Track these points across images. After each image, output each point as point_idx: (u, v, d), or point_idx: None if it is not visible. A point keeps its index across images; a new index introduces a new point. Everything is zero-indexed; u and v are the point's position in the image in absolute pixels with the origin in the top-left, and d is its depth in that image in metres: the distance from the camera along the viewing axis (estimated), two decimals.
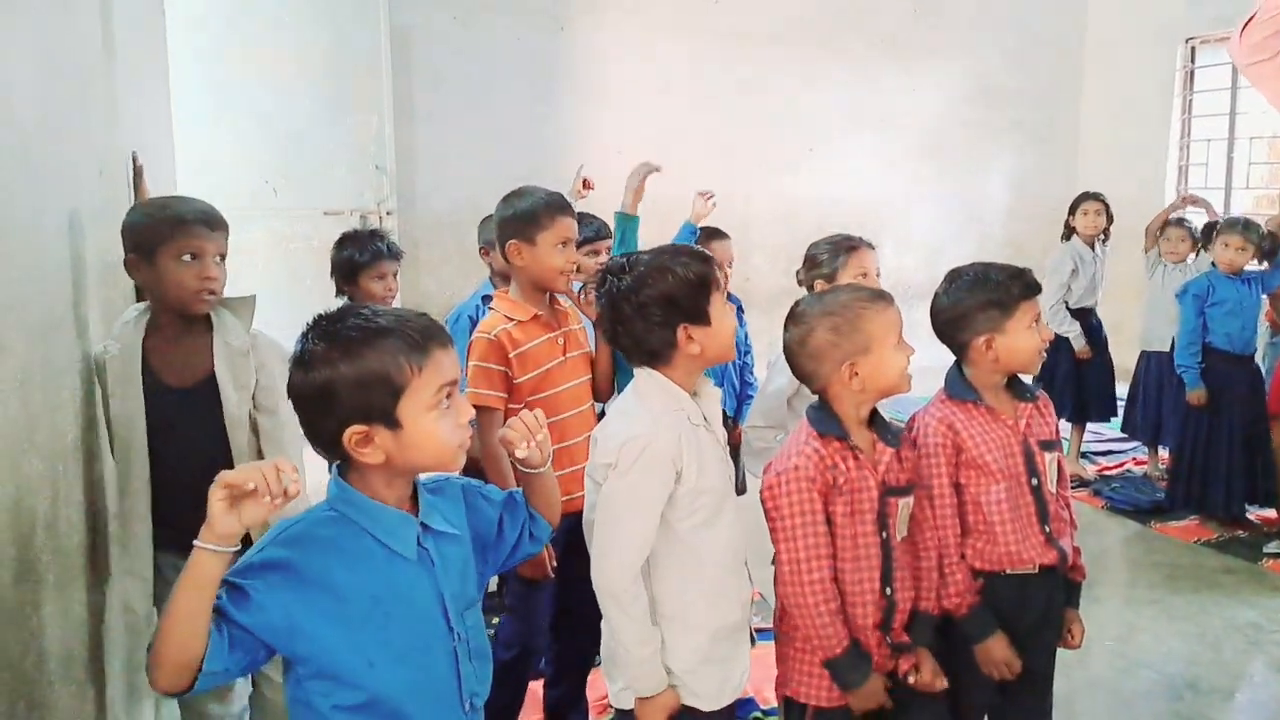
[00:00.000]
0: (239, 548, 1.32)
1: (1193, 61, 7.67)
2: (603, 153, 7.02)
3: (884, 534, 1.96)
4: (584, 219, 3.82)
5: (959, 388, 2.22)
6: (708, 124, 7.27)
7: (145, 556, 2.17)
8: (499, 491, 1.71)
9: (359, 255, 3.35)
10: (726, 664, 1.95)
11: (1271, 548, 4.33)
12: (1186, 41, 7.63)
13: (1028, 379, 2.29)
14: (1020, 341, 2.16)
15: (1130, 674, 3.36)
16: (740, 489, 3.63)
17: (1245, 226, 4.55)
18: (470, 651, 1.55)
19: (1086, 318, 5.30)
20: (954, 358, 2.26)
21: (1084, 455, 5.64)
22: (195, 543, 1.29)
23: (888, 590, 1.98)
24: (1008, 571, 2.19)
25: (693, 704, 1.91)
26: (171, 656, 1.31)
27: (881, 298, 1.99)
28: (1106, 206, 5.29)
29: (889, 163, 7.92)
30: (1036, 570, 2.21)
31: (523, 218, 2.48)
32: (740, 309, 4.00)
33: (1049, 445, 2.26)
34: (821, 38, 7.53)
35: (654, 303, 1.85)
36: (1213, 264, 4.63)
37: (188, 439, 2.15)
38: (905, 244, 7.75)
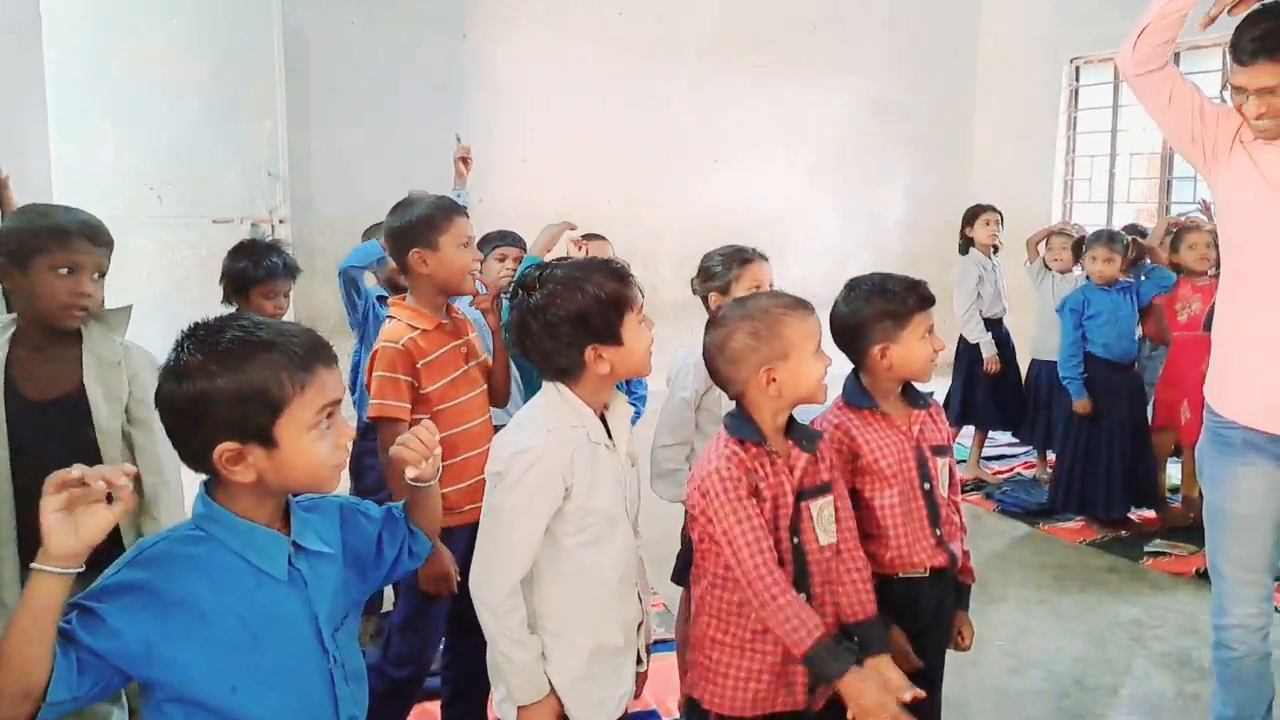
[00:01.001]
0: (83, 568, 1.24)
1: (1077, 80, 7.98)
2: (506, 161, 7.00)
3: (796, 539, 1.96)
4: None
5: (856, 395, 2.25)
6: (613, 134, 7.30)
7: (10, 583, 2.06)
8: (377, 508, 1.67)
9: (253, 269, 3.24)
10: (604, 685, 1.92)
11: (1152, 547, 4.49)
12: (1071, 61, 7.93)
13: (923, 386, 2.34)
14: (914, 351, 2.20)
15: (1020, 674, 3.44)
16: None
17: (1110, 239, 4.72)
18: (346, 673, 1.50)
19: (996, 328, 5.48)
20: (851, 366, 2.30)
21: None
22: (32, 565, 1.22)
23: (803, 597, 1.95)
24: (900, 575, 2.23)
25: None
26: (10, 685, 1.22)
27: (802, 306, 2.00)
28: (1001, 217, 5.47)
29: (792, 175, 8.05)
30: (928, 573, 2.25)
31: (420, 224, 2.44)
32: None
33: (941, 451, 2.31)
34: (725, 51, 7.63)
35: (563, 322, 1.82)
36: (1087, 277, 4.80)
37: (53, 456, 2.04)
38: (808, 255, 7.87)
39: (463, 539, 2.27)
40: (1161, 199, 7.39)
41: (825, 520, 2.01)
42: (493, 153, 6.95)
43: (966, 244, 5.53)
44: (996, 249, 5.50)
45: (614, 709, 1.94)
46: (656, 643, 3.43)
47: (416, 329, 2.44)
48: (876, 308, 2.20)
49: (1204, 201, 5.13)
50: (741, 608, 1.94)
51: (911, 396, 2.29)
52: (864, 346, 2.22)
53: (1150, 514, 4.84)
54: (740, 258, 2.90)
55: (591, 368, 1.84)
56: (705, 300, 2.93)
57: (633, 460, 1.98)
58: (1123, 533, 4.74)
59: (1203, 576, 4.18)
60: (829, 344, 2.21)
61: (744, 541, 1.86)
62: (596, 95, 7.25)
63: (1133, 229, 5.51)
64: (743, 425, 1.95)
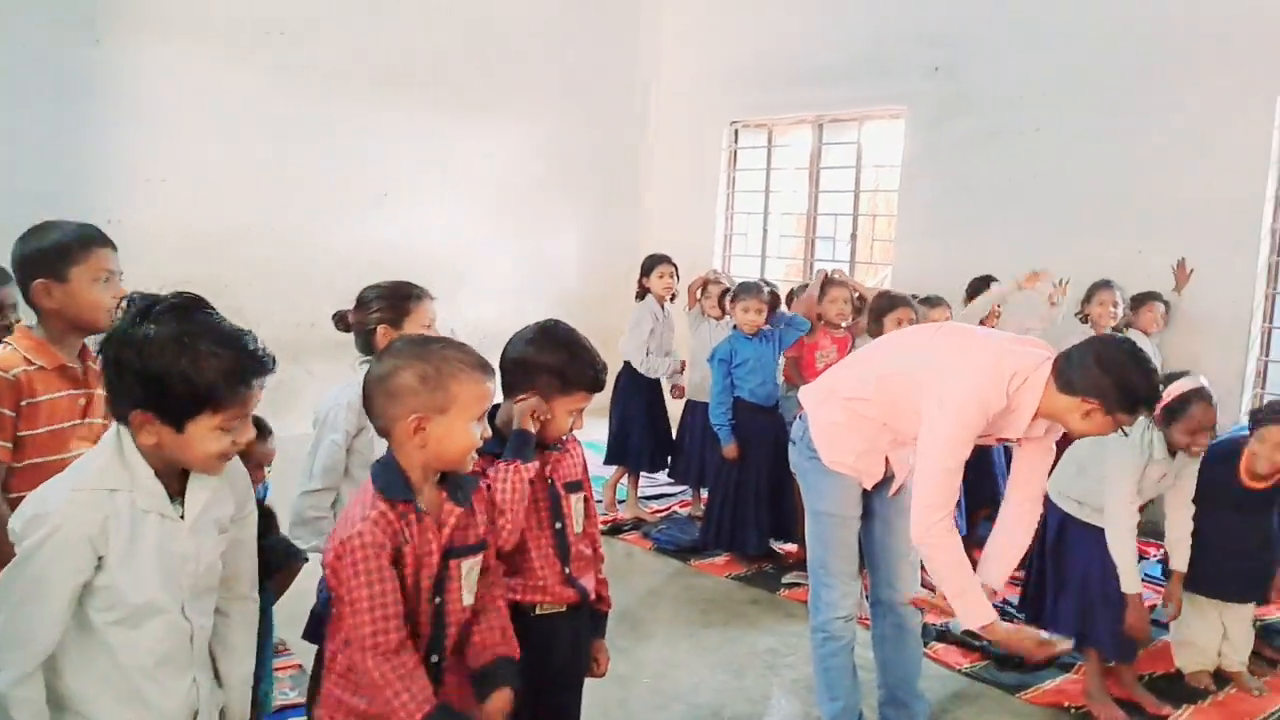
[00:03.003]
0: None
1: (736, 142, 8.58)
2: (144, 181, 6.46)
3: (439, 599, 1.90)
4: None
5: (490, 441, 2.25)
6: (269, 159, 6.90)
7: None
8: None
9: None
10: None
11: (789, 578, 4.83)
12: (731, 124, 8.52)
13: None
14: (559, 421, 2.25)
15: (664, 708, 3.58)
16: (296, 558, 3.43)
17: (756, 290, 5.11)
18: None
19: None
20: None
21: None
22: None
23: (434, 658, 1.92)
24: (536, 611, 2.27)
25: None
26: None
27: (482, 369, 1.92)
28: (676, 269, 5.76)
29: (466, 215, 8.00)
30: (564, 609, 2.30)
31: (49, 253, 2.23)
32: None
33: (574, 487, 2.36)
34: (394, 83, 7.44)
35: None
36: (734, 327, 5.15)
37: None
38: (485, 294, 7.85)
39: None
40: (807, 255, 8.08)
41: (471, 581, 1.98)
42: (129, 171, 6.40)
43: (643, 292, 5.77)
44: (673, 298, 5.78)
45: None
46: (288, 708, 3.27)
47: (33, 364, 2.22)
48: (555, 361, 2.22)
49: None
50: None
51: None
52: (522, 387, 2.23)
53: (791, 547, 5.21)
54: (413, 293, 2.85)
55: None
56: (366, 335, 2.83)
57: (221, 528, 1.82)
58: (767, 566, 5.07)
59: None
60: None
61: (369, 618, 1.78)
62: (253, 117, 6.82)
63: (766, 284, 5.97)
64: (391, 479, 1.87)
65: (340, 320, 2.94)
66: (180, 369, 1.61)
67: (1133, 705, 3.61)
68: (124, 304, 1.68)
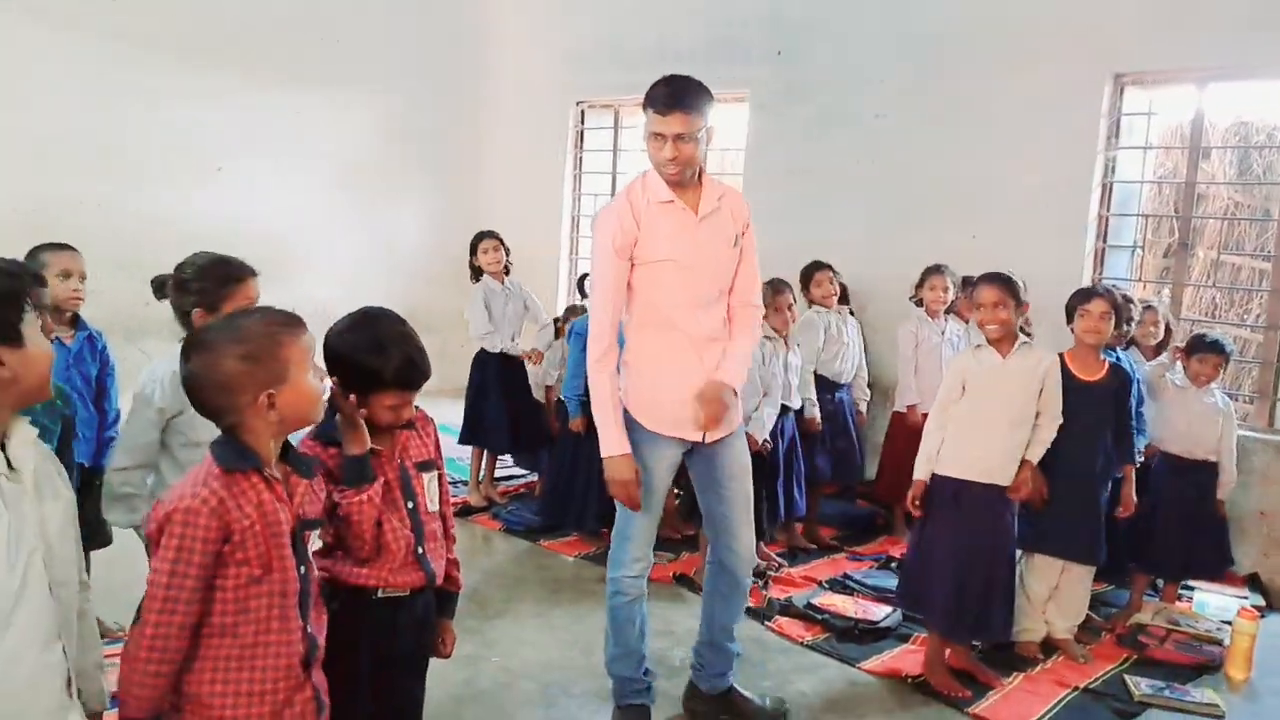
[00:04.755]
0: None
1: (583, 123, 8.53)
2: None
3: (302, 568, 1.86)
4: None
5: (329, 426, 2.15)
6: (97, 130, 6.50)
7: None
8: None
9: None
10: None
11: None
12: (578, 104, 8.47)
13: (431, 404, 2.33)
14: (375, 414, 2.16)
15: (512, 686, 3.54)
16: (106, 539, 3.25)
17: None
18: None
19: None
20: None
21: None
22: None
23: (307, 626, 1.88)
24: (379, 594, 2.20)
25: None
26: None
27: (296, 323, 1.88)
28: (502, 242, 5.67)
29: (308, 190, 7.72)
30: (407, 592, 2.24)
31: None
32: (94, 337, 3.59)
33: (426, 466, 2.30)
34: (229, 54, 7.10)
35: None
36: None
37: None
38: (325, 275, 7.58)
39: None
40: None
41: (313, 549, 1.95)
42: None
43: (476, 271, 5.67)
44: (507, 270, 5.69)
45: None
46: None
47: None
48: (358, 361, 2.14)
49: None
50: (233, 661, 1.79)
51: None
52: (337, 383, 2.14)
53: None
54: (232, 274, 2.69)
55: None
56: (183, 316, 2.69)
57: (55, 494, 1.72)
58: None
59: (679, 581, 4.61)
60: None
61: (162, 594, 1.71)
62: (81, 86, 6.40)
63: None
64: (234, 454, 1.80)
65: (159, 287, 2.76)
66: None
67: (967, 675, 3.76)
68: None
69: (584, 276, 5.72)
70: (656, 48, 7.62)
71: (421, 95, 8.38)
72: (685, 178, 3.00)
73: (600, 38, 8.06)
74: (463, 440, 5.71)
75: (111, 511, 2.58)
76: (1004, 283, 3.67)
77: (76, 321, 3.51)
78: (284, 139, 7.52)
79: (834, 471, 5.29)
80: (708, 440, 3.12)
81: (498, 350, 5.59)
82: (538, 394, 5.86)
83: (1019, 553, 3.98)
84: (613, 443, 3.03)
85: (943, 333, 5.33)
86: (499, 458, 6.02)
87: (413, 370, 2.17)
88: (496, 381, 5.63)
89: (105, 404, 3.55)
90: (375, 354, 2.13)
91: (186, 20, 6.91)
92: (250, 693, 1.81)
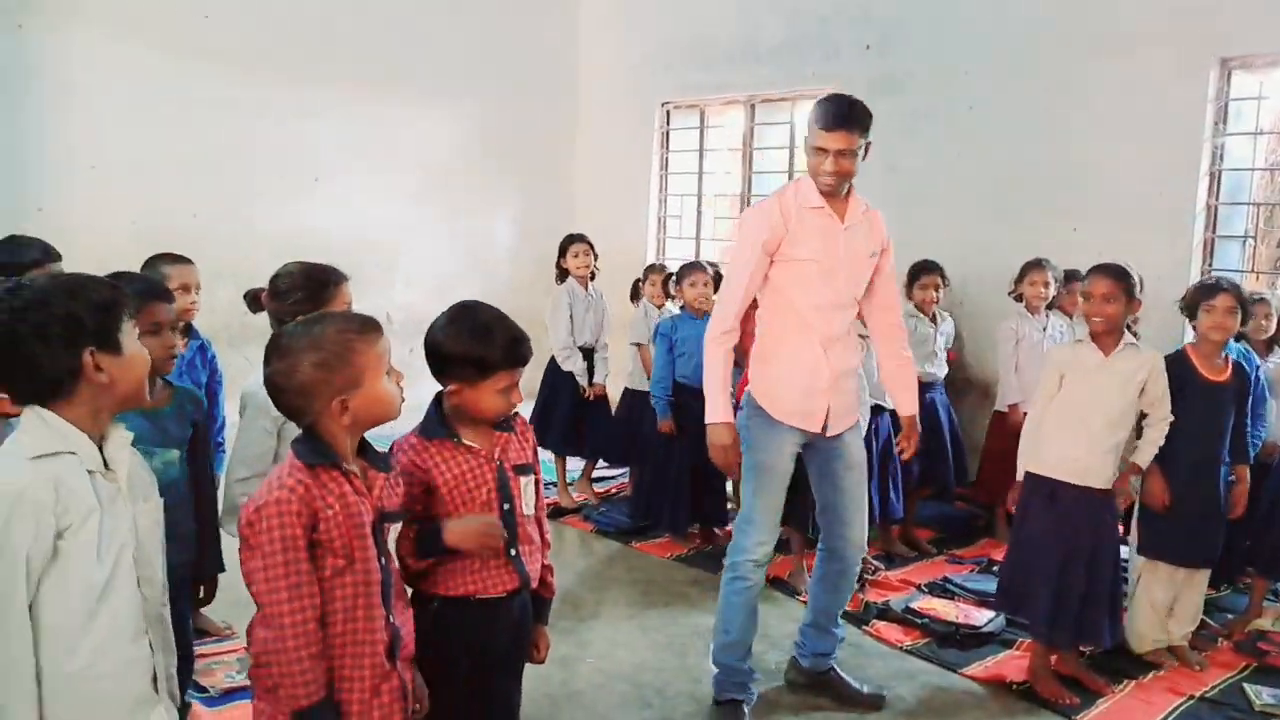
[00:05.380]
0: None
1: (668, 124, 8.52)
2: (70, 167, 6.26)
3: (382, 560, 1.90)
4: (22, 242, 3.36)
5: (434, 426, 2.21)
6: (200, 145, 6.71)
7: None
8: None
9: None
10: None
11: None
12: (663, 105, 8.46)
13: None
14: (486, 400, 2.19)
15: (607, 688, 3.54)
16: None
17: (700, 266, 5.12)
18: None
19: (589, 356, 5.64)
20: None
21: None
22: None
23: (390, 617, 1.92)
24: (477, 597, 2.21)
25: None
26: None
27: (371, 328, 1.92)
28: (592, 247, 5.67)
29: (398, 197, 7.86)
30: (505, 595, 2.24)
31: None
32: (204, 346, 3.71)
33: (524, 470, 2.31)
34: (322, 66, 7.29)
35: (55, 321, 1.61)
36: (682, 306, 5.12)
37: None
38: (416, 281, 7.73)
39: None
40: None
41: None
42: (56, 158, 6.23)
43: (562, 274, 5.69)
44: (593, 276, 5.70)
45: None
46: (235, 690, 3.24)
47: None
48: (465, 350, 2.16)
49: None
50: (330, 650, 1.84)
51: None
52: (443, 378, 2.19)
53: (730, 529, 5.19)
54: (327, 280, 2.76)
55: (89, 377, 1.64)
56: (282, 324, 2.75)
57: (146, 495, 1.79)
58: (707, 548, 5.05)
59: (773, 584, 4.55)
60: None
61: (285, 584, 1.77)
62: (181, 102, 6.61)
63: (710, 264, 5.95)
64: (314, 450, 1.86)
65: (254, 301, 2.84)
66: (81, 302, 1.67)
67: (1074, 682, 3.64)
68: None
69: (669, 276, 5.68)
70: (742, 46, 7.59)
71: (509, 101, 8.46)
72: (839, 189, 3.21)
73: (685, 38, 8.04)
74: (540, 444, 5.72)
75: (229, 521, 2.62)
76: (1117, 275, 3.51)
77: (189, 331, 3.63)
78: (377, 148, 7.67)
79: (925, 475, 5.17)
80: (828, 433, 3.28)
81: (568, 370, 5.57)
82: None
83: (1138, 559, 3.84)
84: (717, 410, 3.24)
85: (1044, 329, 5.16)
86: (598, 460, 6.02)
87: (518, 346, 2.20)
88: (568, 387, 5.62)
89: (214, 411, 3.67)
90: (480, 338, 2.16)
91: (281, 37, 7.10)
92: (339, 681, 1.85)
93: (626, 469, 6.11)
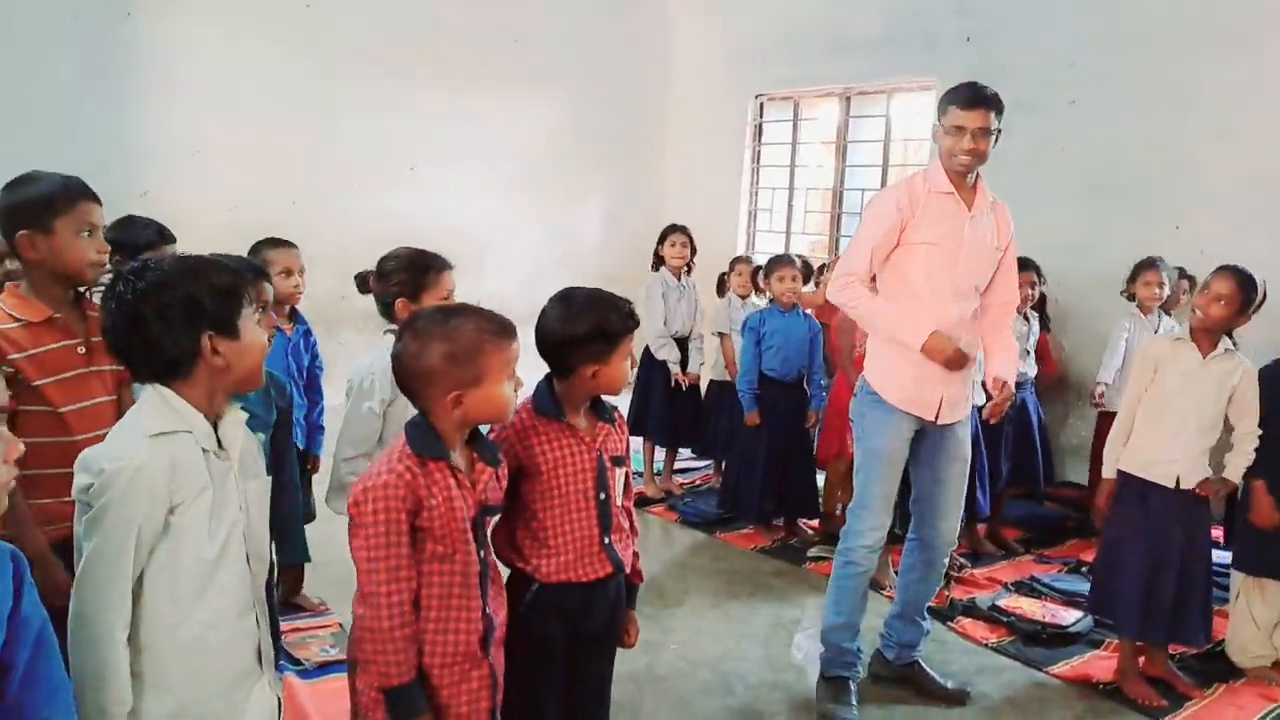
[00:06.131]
0: None
1: (761, 116, 8.52)
2: (174, 153, 6.52)
3: (481, 552, 1.96)
4: (139, 222, 3.53)
5: (547, 405, 2.25)
6: (299, 134, 6.96)
7: None
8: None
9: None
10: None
11: (814, 552, 4.84)
12: (756, 98, 8.45)
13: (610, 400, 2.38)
14: (617, 371, 2.24)
15: (690, 675, 3.59)
16: (311, 515, 3.50)
17: (789, 260, 5.13)
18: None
19: (683, 346, 5.70)
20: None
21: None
22: None
23: (486, 609, 1.98)
24: (572, 581, 2.26)
25: None
26: None
27: (505, 333, 1.97)
28: (690, 239, 5.72)
29: (490, 188, 8.01)
30: (599, 580, 2.30)
31: (35, 204, 2.21)
32: (308, 332, 3.86)
33: (619, 461, 2.36)
34: (422, 56, 7.46)
35: (176, 304, 1.68)
36: (770, 301, 5.14)
37: None
38: (505, 269, 7.88)
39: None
40: (832, 231, 8.03)
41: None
42: (161, 145, 6.49)
43: (658, 262, 5.76)
44: (688, 270, 5.75)
45: None
46: (329, 664, 3.36)
47: (19, 320, 2.22)
48: (591, 327, 2.20)
49: None
50: (424, 634, 1.92)
51: (598, 408, 2.32)
52: (574, 364, 2.21)
53: (815, 523, 5.21)
54: (431, 265, 2.86)
55: (206, 360, 1.70)
56: (386, 305, 2.87)
57: (256, 474, 1.86)
58: (792, 540, 5.08)
59: None
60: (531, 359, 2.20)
61: (385, 565, 1.84)
62: (281, 91, 6.87)
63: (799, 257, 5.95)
64: (425, 440, 1.92)
65: (362, 282, 2.95)
66: (202, 286, 1.72)
67: (1163, 684, 3.59)
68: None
69: (758, 269, 5.70)
70: (836, 38, 7.55)
71: (601, 93, 8.55)
72: (972, 171, 3.23)
73: (779, 30, 8.02)
74: (631, 432, 5.79)
75: (335, 500, 2.73)
76: (1241, 281, 3.43)
77: (294, 315, 3.78)
78: (471, 139, 7.83)
79: (1014, 474, 5.10)
80: (940, 421, 3.30)
81: (662, 359, 5.65)
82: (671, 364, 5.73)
83: (1240, 575, 3.76)
84: (916, 329, 3.20)
85: (1156, 330, 5.00)
86: (679, 450, 6.08)
87: (630, 308, 2.26)
88: (661, 377, 5.68)
89: (315, 393, 3.82)
90: (597, 310, 2.21)
91: (380, 29, 7.30)
92: (430, 666, 1.92)
93: (709, 461, 6.17)
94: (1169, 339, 3.68)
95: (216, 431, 1.75)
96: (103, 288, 1.84)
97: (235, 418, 1.80)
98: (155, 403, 1.71)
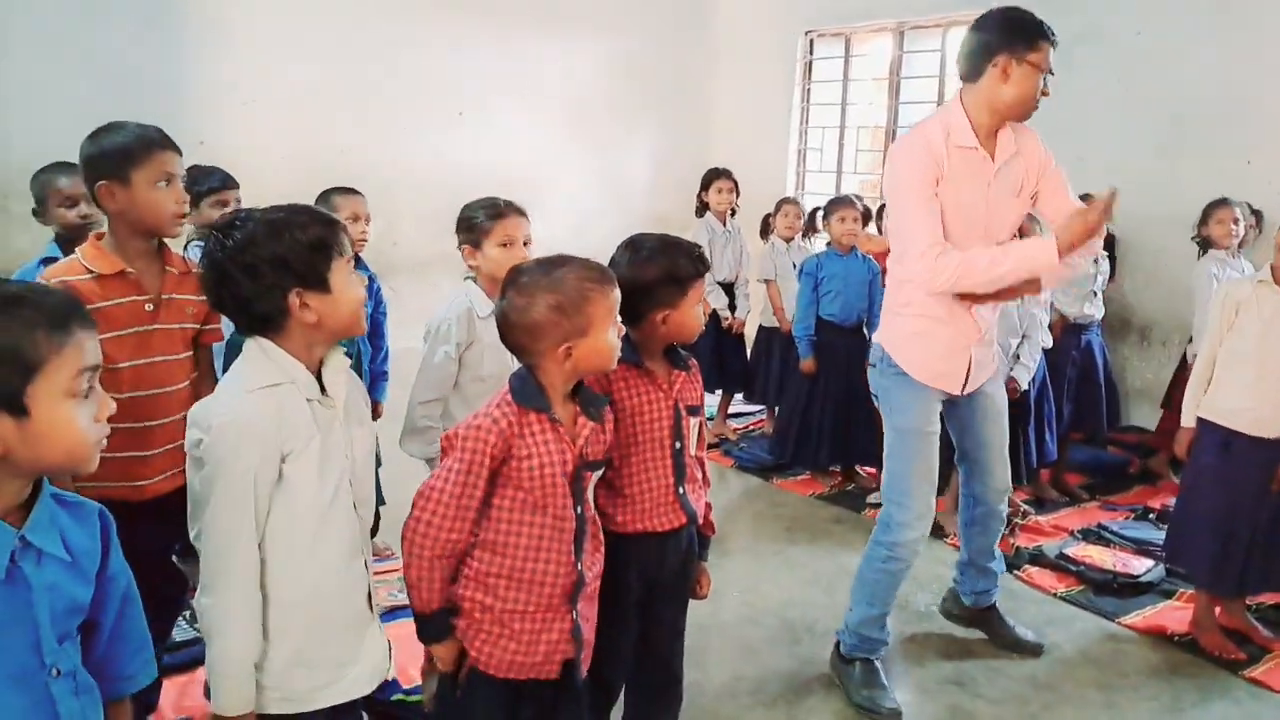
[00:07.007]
0: None
1: (811, 53, 8.31)
2: (227, 101, 6.51)
3: (579, 509, 1.95)
4: (202, 170, 3.50)
5: (626, 351, 2.17)
6: (348, 80, 6.92)
7: None
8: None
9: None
10: (334, 663, 1.80)
11: (873, 499, 4.77)
12: (806, 34, 8.24)
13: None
14: (689, 317, 2.21)
15: (756, 622, 3.57)
16: (379, 462, 3.49)
17: (849, 201, 5.00)
18: (77, 686, 1.36)
19: (729, 292, 5.61)
20: None
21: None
22: None
23: (578, 565, 1.97)
24: (647, 531, 2.24)
25: (283, 710, 1.76)
26: None
27: (607, 280, 1.96)
28: (735, 183, 5.61)
29: (539, 132, 7.92)
30: (673, 530, 2.28)
31: (114, 154, 2.18)
32: (372, 279, 3.81)
33: (694, 410, 2.33)
34: (467, 2, 7.37)
35: (263, 262, 1.66)
36: (827, 244, 5.03)
37: None
38: (554, 214, 7.74)
39: (151, 511, 2.15)
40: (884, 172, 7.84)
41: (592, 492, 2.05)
42: (215, 94, 6.48)
43: (702, 208, 5.65)
44: (733, 213, 5.65)
45: (362, 684, 1.85)
46: (394, 609, 3.36)
47: (91, 271, 2.19)
48: (661, 272, 2.17)
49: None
50: (502, 579, 1.93)
51: (673, 357, 2.29)
52: (645, 310, 2.18)
53: (872, 469, 5.14)
54: (492, 210, 2.81)
55: (296, 316, 1.69)
56: (462, 255, 2.84)
57: (361, 420, 1.86)
58: (849, 486, 5.02)
59: None
60: None
61: (450, 494, 1.86)
62: (329, 36, 6.82)
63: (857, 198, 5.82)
64: (529, 392, 1.91)
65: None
66: (291, 242, 1.70)
67: (1241, 636, 3.51)
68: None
69: (815, 211, 5.58)
70: None
71: (650, 32, 8.39)
72: None
73: None
74: None
75: (410, 443, 2.74)
76: None
77: (358, 262, 3.73)
78: (520, 82, 7.74)
79: (1077, 419, 4.98)
80: (967, 390, 3.11)
81: (711, 306, 5.54)
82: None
83: None
84: (1040, 248, 2.78)
85: (1242, 273, 4.80)
86: (733, 395, 6.03)
87: (699, 251, 2.23)
88: (710, 322, 5.56)
89: (379, 339, 3.80)
90: (667, 255, 2.18)
91: None
92: (512, 611, 1.92)
93: (761, 406, 6.11)
94: (1250, 280, 3.53)
95: (321, 379, 1.74)
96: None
97: (338, 363, 1.79)
98: (256, 356, 1.71)
